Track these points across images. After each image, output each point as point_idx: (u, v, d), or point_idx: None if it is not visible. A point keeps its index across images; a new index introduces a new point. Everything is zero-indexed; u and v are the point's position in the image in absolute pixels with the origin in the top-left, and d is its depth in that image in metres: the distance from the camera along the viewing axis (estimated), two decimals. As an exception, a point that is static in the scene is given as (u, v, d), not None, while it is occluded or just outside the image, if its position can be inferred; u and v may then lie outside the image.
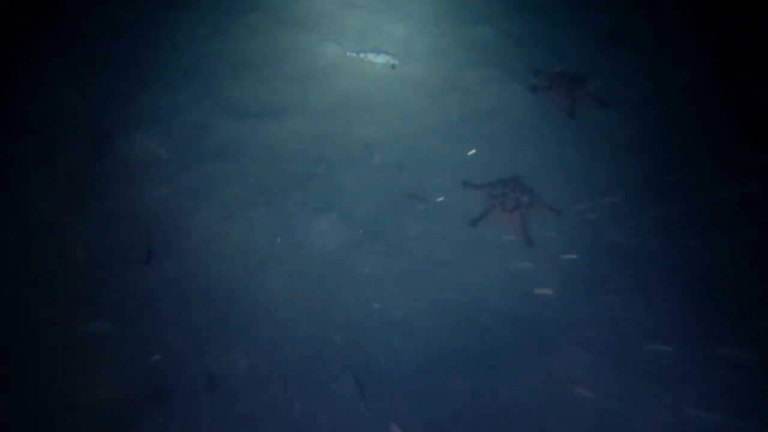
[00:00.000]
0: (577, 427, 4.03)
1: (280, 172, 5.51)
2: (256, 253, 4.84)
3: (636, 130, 6.27)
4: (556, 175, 5.69)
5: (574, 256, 5.03)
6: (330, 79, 6.50)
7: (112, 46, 6.78)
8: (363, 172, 5.55)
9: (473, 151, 5.41)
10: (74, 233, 4.93)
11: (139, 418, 3.95)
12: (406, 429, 3.95)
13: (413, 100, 6.32)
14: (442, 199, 5.34)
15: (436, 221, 5.20)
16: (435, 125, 6.06)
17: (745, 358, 4.42)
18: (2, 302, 4.47)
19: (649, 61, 7.21)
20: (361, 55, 6.73)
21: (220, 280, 4.65)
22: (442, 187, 5.48)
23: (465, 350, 4.36)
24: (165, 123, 5.88)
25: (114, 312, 4.44)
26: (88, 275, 4.66)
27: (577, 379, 4.25)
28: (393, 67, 6.68)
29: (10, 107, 5.98)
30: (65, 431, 3.89)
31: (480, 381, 4.20)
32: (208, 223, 5.04)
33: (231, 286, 4.62)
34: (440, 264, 4.88)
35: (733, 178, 5.79)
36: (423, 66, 6.74)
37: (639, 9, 8.08)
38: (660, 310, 4.70)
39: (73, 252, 4.80)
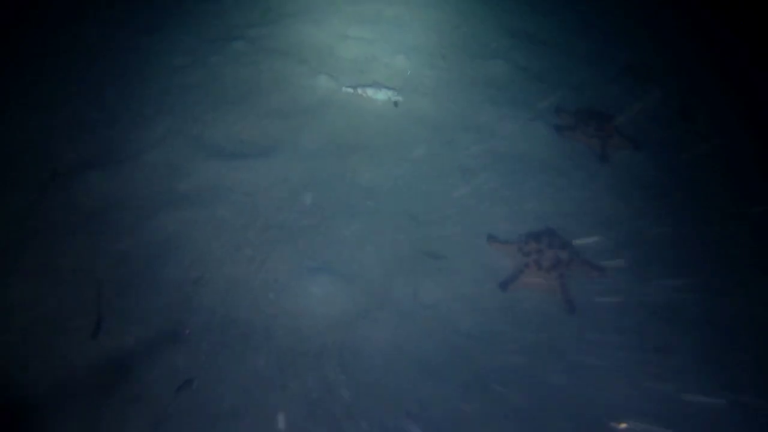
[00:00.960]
0: None
1: (266, 223, 4.58)
2: (236, 325, 3.86)
3: (672, 172, 5.49)
4: (593, 226, 4.83)
5: (622, 322, 4.14)
6: (324, 116, 5.64)
7: (77, 71, 5.90)
8: (366, 224, 4.64)
9: None
10: (10, 293, 3.94)
11: None
12: None
13: (422, 140, 5.47)
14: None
15: (458, 284, 4.27)
16: (449, 169, 5.19)
17: None
18: None
19: (677, 95, 6.50)
20: (360, 91, 5.89)
21: (188, 361, 3.65)
22: (463, 242, 4.58)
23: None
24: (131, 162, 4.96)
25: (48, 395, 3.43)
26: (22, 346, 3.65)
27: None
28: (396, 104, 5.85)
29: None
30: None
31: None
32: (177, 284, 4.07)
33: (202, 368, 3.62)
34: (466, 337, 3.93)
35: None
36: (431, 102, 5.91)
37: (658, 41, 7.43)
38: (729, 379, 3.80)
39: (6, 316, 3.80)
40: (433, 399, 3.56)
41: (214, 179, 4.91)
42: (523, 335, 3.98)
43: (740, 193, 5.39)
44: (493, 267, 4.40)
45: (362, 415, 3.45)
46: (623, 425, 3.53)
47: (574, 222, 4.84)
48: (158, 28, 6.57)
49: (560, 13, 7.72)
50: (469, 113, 5.83)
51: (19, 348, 3.64)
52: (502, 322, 4.05)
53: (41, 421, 3.33)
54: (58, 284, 4.01)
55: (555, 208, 4.97)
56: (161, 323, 3.82)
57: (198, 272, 4.15)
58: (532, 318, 4.11)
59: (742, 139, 6.06)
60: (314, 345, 3.77)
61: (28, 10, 6.74)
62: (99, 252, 4.24)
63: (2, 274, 4.05)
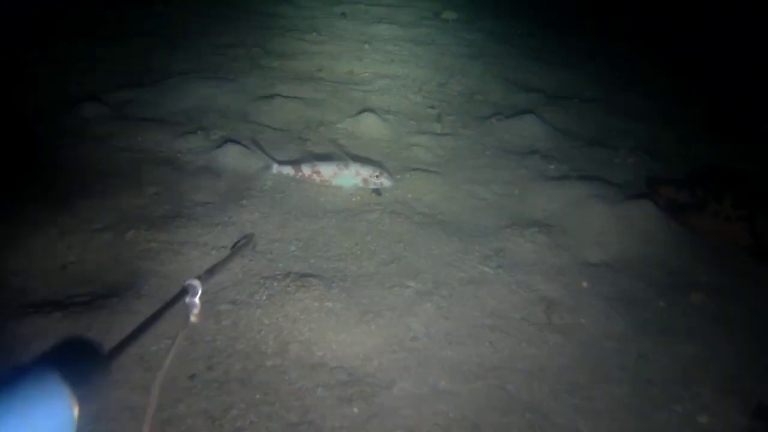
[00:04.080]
0: None
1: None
2: None
3: None
4: None
5: None
6: (235, 220, 2.82)
7: None
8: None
9: None
10: None
11: None
12: None
13: (439, 259, 2.70)
14: None
15: None
16: (512, 314, 2.45)
17: None
18: None
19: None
20: (306, 170, 3.12)
21: None
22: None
23: None
24: None
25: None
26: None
27: None
28: (379, 191, 3.14)
29: None
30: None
31: None
32: None
33: None
34: None
35: None
36: (439, 186, 3.23)
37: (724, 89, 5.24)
38: None
39: None
40: None
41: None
42: None
43: None
44: None
45: None
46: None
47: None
48: None
49: (577, 65, 5.44)
50: (513, 200, 3.17)
51: None
52: None
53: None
54: None
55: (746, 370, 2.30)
56: None
57: None
58: None
59: None
60: None
61: None
62: None
63: None
